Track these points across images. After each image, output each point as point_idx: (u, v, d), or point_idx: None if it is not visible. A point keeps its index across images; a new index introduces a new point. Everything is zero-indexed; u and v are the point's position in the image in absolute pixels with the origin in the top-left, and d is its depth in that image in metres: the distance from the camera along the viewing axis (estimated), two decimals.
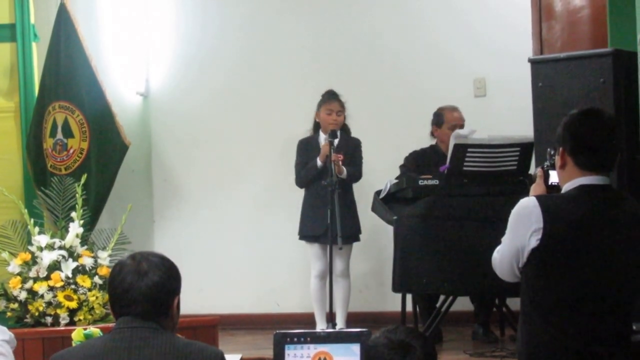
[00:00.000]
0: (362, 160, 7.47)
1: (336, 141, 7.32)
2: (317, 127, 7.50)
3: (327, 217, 7.08)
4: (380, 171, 7.56)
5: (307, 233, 7.43)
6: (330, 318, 7.02)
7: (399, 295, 7.05)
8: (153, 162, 8.68)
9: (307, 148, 7.46)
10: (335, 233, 6.93)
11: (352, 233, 7.32)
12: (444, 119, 7.33)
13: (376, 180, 7.32)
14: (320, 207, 7.24)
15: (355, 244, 7.45)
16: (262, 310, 8.32)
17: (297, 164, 7.50)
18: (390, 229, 6.86)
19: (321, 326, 7.33)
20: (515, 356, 4.41)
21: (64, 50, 7.16)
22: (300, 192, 7.58)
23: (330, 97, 7.45)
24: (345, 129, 7.47)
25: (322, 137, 7.39)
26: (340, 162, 7.22)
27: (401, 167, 7.28)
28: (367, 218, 7.51)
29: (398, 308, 7.08)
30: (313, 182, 7.37)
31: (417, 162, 7.26)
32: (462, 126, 7.22)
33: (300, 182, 7.49)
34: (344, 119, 7.46)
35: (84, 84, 7.17)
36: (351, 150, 7.40)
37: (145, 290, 3.15)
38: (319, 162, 7.29)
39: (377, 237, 7.85)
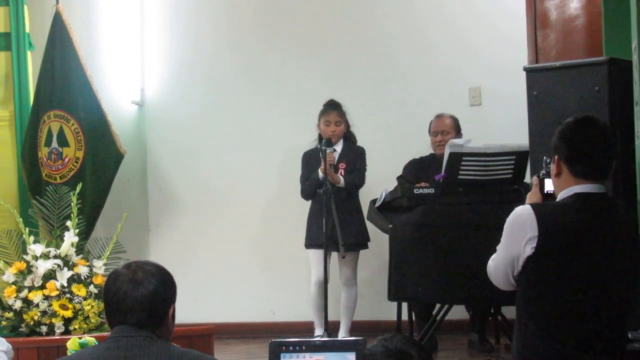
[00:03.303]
0: (365, 169, 7.47)
1: (338, 150, 7.34)
2: (321, 138, 7.51)
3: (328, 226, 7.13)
4: (374, 179, 7.56)
5: (309, 241, 7.46)
6: (326, 326, 7.01)
7: (394, 304, 7.05)
8: (148, 171, 8.68)
9: (309, 160, 7.48)
10: (334, 241, 6.97)
11: (356, 241, 7.30)
12: (431, 126, 7.41)
13: (370, 189, 7.32)
14: (321, 216, 7.28)
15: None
16: (257, 319, 8.31)
17: (301, 176, 7.52)
18: (385, 237, 6.86)
19: (318, 333, 7.34)
20: None
21: (59, 59, 7.17)
22: (294, 202, 7.61)
23: (328, 108, 7.47)
24: (349, 138, 7.48)
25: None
26: (340, 172, 7.26)
27: (398, 178, 7.28)
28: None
29: (394, 317, 7.09)
30: (316, 193, 7.40)
31: (416, 171, 7.28)
32: (442, 132, 7.27)
33: (303, 194, 7.52)
34: (346, 127, 7.47)
35: (79, 92, 7.18)
36: (353, 159, 7.40)
37: (141, 299, 3.15)
38: (320, 174, 7.30)
39: (373, 245, 7.84)
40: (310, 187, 7.40)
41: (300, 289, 7.61)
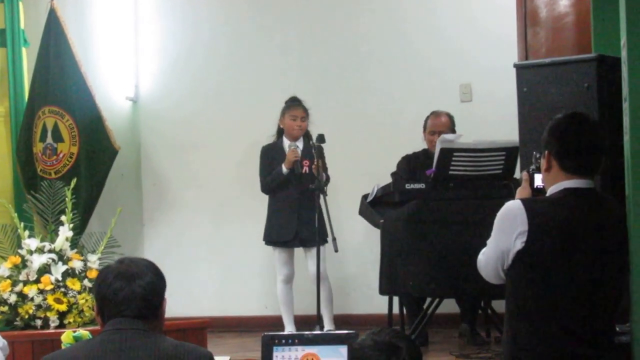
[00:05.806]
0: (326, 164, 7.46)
1: (300, 147, 7.39)
2: (280, 133, 7.54)
3: (295, 223, 7.26)
4: (367, 177, 7.58)
5: (274, 239, 7.49)
6: (318, 320, 7.05)
7: (385, 298, 7.08)
8: (142, 166, 8.69)
9: (271, 154, 7.50)
10: (324, 236, 7.05)
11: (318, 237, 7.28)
12: (427, 124, 7.40)
13: (363, 185, 7.34)
14: (286, 212, 7.33)
15: (344, 247, 7.46)
16: (250, 312, 8.34)
17: (262, 170, 7.52)
18: (377, 232, 6.89)
19: (289, 329, 7.37)
20: (501, 358, 4.45)
21: (53, 55, 7.19)
22: None
23: (295, 104, 7.50)
24: (307, 135, 7.51)
25: (286, 143, 7.43)
26: (305, 169, 7.29)
27: (392, 174, 7.30)
28: (351, 223, 7.59)
29: (385, 310, 7.11)
30: (279, 188, 7.42)
31: (409, 166, 7.30)
32: (441, 132, 7.24)
33: (265, 189, 7.52)
34: (307, 125, 7.50)
35: (74, 88, 7.20)
36: (314, 156, 7.38)
37: (140, 290, 3.18)
38: (284, 169, 7.33)
39: (364, 240, 7.88)
40: (273, 182, 7.42)
41: (293, 284, 7.63)
